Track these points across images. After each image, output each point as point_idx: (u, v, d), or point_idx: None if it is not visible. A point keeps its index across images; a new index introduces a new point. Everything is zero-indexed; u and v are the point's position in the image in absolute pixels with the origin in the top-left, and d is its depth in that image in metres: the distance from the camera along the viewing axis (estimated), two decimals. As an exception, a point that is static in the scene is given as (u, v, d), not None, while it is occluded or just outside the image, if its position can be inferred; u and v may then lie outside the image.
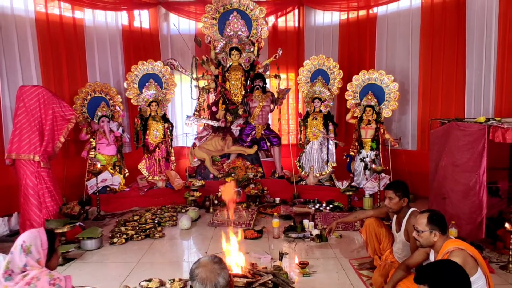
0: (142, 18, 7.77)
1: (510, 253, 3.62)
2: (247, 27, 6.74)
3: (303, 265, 3.65)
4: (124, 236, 4.62)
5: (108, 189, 6.01)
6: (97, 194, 5.61)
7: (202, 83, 6.91)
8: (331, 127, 6.35)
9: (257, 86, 6.58)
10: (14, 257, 2.07)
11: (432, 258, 2.64)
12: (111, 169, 6.23)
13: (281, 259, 3.79)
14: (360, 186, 6.03)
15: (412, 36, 6.67)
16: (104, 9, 7.00)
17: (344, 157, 6.52)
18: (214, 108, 6.71)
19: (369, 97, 6.21)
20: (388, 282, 2.95)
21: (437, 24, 6.31)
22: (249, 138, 6.69)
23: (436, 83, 6.38)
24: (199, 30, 7.48)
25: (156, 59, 6.86)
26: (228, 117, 6.65)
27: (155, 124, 6.31)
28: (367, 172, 6.12)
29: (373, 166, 5.97)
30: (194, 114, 6.83)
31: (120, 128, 6.37)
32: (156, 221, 5.18)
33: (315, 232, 4.61)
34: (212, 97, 6.97)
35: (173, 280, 3.36)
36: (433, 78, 6.42)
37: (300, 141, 6.62)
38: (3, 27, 5.61)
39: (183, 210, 5.71)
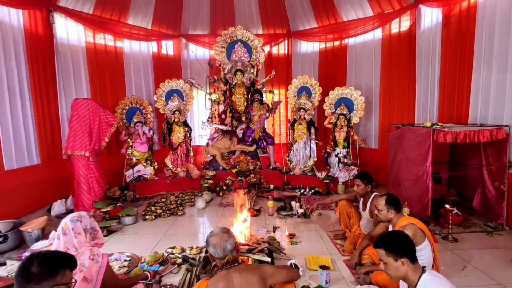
0: (168, 47, 7.80)
1: (449, 227, 3.63)
2: (248, 53, 6.71)
3: (291, 236, 3.65)
4: (154, 214, 4.62)
5: (141, 178, 6.00)
6: (133, 181, 5.60)
7: (214, 97, 6.89)
8: (312, 131, 6.33)
9: (256, 99, 6.58)
10: (70, 237, 2.05)
11: (390, 230, 2.64)
12: (144, 162, 6.21)
13: (274, 232, 3.80)
14: (335, 176, 6.02)
15: (374, 60, 6.66)
16: (139, 40, 7.00)
17: (323, 153, 6.53)
18: (223, 116, 6.70)
19: (342, 107, 6.20)
20: (356, 249, 2.95)
21: (394, 51, 6.30)
22: (250, 138, 6.67)
23: (393, 96, 6.37)
24: (211, 56, 7.48)
25: (179, 78, 6.83)
26: (234, 123, 6.63)
27: (177, 128, 6.29)
28: (340, 165, 6.11)
29: (345, 160, 5.97)
30: (207, 121, 6.82)
31: (151, 131, 6.36)
32: (178, 203, 5.17)
33: (301, 210, 4.61)
34: (221, 107, 6.96)
35: (192, 247, 3.35)
36: (391, 93, 6.41)
37: (289, 141, 6.60)
38: (61, 53, 5.59)
39: (199, 194, 5.70)
